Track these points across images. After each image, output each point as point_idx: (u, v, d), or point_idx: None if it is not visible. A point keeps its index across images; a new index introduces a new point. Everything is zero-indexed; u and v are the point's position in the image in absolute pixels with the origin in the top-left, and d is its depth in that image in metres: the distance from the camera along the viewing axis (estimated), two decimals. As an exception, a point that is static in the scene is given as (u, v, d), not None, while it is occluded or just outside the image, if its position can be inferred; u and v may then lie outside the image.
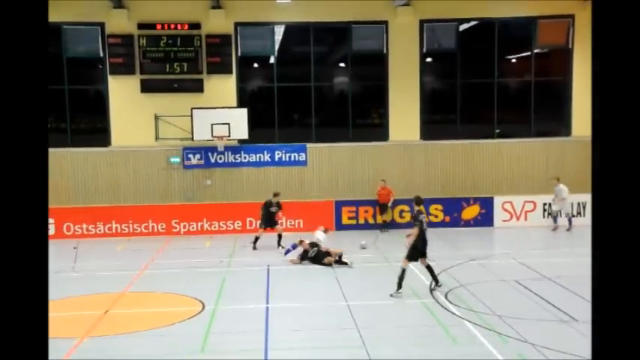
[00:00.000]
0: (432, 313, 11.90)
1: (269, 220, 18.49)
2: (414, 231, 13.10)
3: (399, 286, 12.86)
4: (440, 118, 23.51)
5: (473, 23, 22.88)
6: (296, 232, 20.06)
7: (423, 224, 13.19)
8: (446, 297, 12.84)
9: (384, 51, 22.34)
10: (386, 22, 22.17)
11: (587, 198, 20.69)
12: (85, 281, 15.07)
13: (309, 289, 14.15)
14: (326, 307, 12.48)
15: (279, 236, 18.41)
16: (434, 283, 13.38)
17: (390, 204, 21.08)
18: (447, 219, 21.36)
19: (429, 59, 22.91)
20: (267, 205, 18.55)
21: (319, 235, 17.10)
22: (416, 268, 15.53)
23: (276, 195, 18.74)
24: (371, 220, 21.38)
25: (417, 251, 13.21)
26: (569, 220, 20.64)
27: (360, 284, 14.44)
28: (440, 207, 21.47)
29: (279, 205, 18.56)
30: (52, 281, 14.08)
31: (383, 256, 17.30)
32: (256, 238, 18.37)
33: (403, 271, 12.97)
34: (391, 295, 12.81)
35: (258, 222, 18.93)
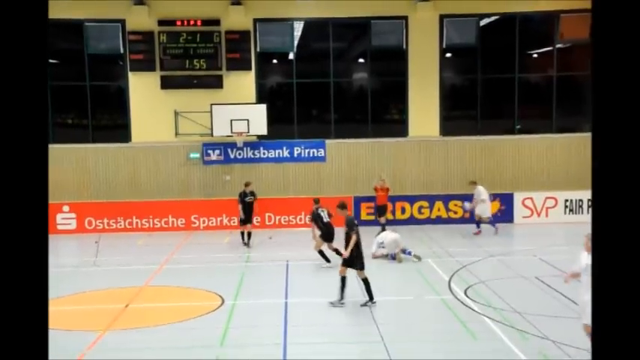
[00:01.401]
0: (451, 309, 11.84)
1: (249, 213, 18.12)
2: (354, 238, 11.86)
3: (370, 295, 11.95)
4: (460, 113, 23.36)
5: (494, 18, 22.67)
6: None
7: (359, 233, 12.02)
8: (465, 293, 12.77)
9: (404, 46, 22.24)
10: (406, 18, 22.06)
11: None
12: (106, 275, 15.23)
13: (328, 284, 14.12)
14: (345, 302, 12.46)
15: (249, 234, 18.09)
16: (367, 300, 11.98)
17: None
18: (467, 215, 21.20)
19: (448, 55, 22.76)
20: (242, 197, 18.16)
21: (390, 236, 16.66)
22: (435, 264, 15.50)
23: (247, 184, 18.46)
24: (390, 216, 21.29)
25: (357, 259, 12.04)
26: (492, 223, 19.56)
27: (378, 280, 14.38)
28: (459, 203, 21.32)
29: (253, 194, 18.25)
30: (74, 275, 14.31)
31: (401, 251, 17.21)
32: (243, 234, 18.19)
33: (343, 279, 12.03)
34: (332, 304, 12.00)
35: (239, 218, 18.44)
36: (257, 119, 20.79)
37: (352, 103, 23.56)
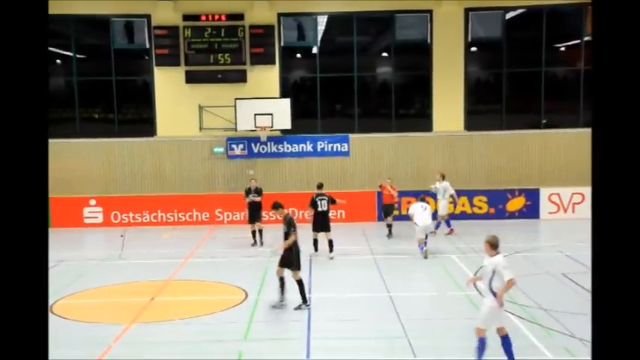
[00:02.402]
0: (475, 305, 11.73)
1: (255, 212, 17.52)
2: (292, 238, 11.63)
3: (303, 298, 11.66)
4: (485, 108, 23.16)
5: (520, 11, 22.42)
6: (337, 223, 20.05)
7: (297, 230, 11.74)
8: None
9: (428, 40, 22.09)
10: (430, 11, 21.91)
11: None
12: (131, 268, 15.39)
13: (351, 279, 14.16)
14: (368, 298, 12.46)
15: (260, 231, 17.49)
16: (301, 303, 11.65)
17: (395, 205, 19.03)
18: (492, 211, 21.08)
19: (473, 49, 22.56)
20: (247, 193, 17.63)
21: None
22: (459, 259, 15.41)
23: (254, 181, 18.03)
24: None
25: (292, 259, 11.70)
26: (447, 222, 18.84)
27: (403, 275, 14.37)
28: (484, 199, 21.19)
29: (258, 192, 17.65)
30: (101, 268, 14.48)
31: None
32: (254, 234, 17.54)
33: (281, 279, 11.75)
34: (274, 307, 11.71)
35: (247, 215, 17.86)
36: (281, 114, 20.83)
37: (376, 97, 23.49)
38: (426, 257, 15.59)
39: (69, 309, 11.97)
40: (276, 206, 12.14)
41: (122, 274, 14.73)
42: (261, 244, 17.38)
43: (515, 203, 21.08)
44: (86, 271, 14.97)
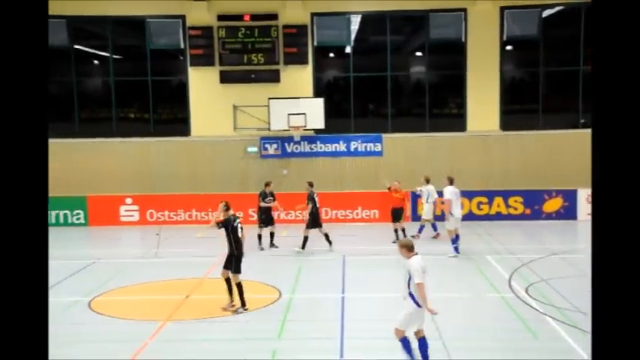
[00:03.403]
0: (511, 307, 11.61)
1: (268, 216, 17.32)
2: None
3: (242, 302, 11.60)
4: (520, 107, 22.87)
5: (557, 9, 22.06)
6: (372, 223, 20.04)
7: (238, 231, 11.70)
8: (526, 291, 12.50)
9: (463, 39, 21.89)
10: (465, 10, 21.71)
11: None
12: (167, 266, 15.55)
13: (386, 279, 14.07)
14: (401, 299, 12.37)
15: (272, 235, 17.38)
16: (240, 306, 11.61)
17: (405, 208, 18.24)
18: (528, 211, 20.78)
19: (509, 47, 22.28)
20: (262, 197, 17.33)
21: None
22: (495, 261, 15.23)
23: (268, 184, 17.63)
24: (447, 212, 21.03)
25: (235, 261, 11.70)
26: (433, 226, 18.36)
27: (436, 276, 14.21)
28: (520, 199, 20.91)
29: (273, 195, 17.48)
30: (136, 266, 14.66)
31: (460, 248, 16.97)
32: (260, 238, 17.29)
33: (238, 284, 11.65)
34: (236, 312, 11.56)
35: (258, 218, 17.57)
36: (314, 113, 20.85)
37: (409, 97, 23.37)
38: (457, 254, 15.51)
39: (106, 306, 12.15)
40: (227, 207, 11.92)
41: (158, 272, 14.89)
42: (273, 245, 17.33)
43: (553, 204, 20.75)
44: (123, 269, 15.18)
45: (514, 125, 22.02)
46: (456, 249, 15.80)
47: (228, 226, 11.64)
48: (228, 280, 11.75)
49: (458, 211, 15.96)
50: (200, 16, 21.74)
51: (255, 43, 21.88)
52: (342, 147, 22.15)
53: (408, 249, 8.66)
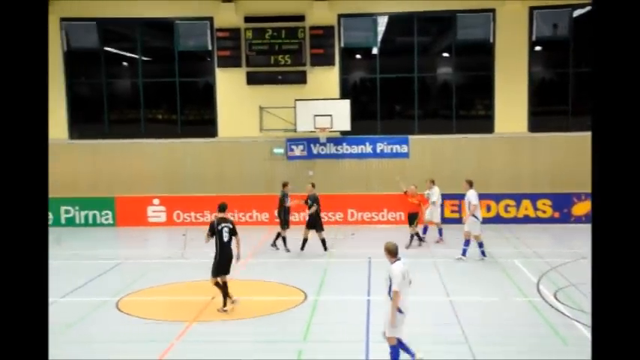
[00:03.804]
0: (540, 312, 11.46)
1: (287, 217, 17.18)
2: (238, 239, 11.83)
3: (225, 302, 11.66)
4: (550, 109, 22.56)
5: (588, 8, 21.71)
6: (398, 225, 19.93)
7: (223, 235, 11.62)
8: (555, 296, 12.32)
9: (491, 40, 21.68)
10: (493, 10, 21.49)
11: None
12: (193, 268, 15.61)
13: (412, 282, 13.99)
14: (427, 302, 12.29)
15: (284, 238, 17.18)
16: (222, 305, 11.69)
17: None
18: (556, 215, 20.50)
19: (538, 48, 22.00)
20: (283, 198, 17.15)
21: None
22: (522, 264, 15.05)
23: (285, 185, 17.46)
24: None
25: (221, 265, 11.67)
26: (439, 231, 17.97)
27: (463, 279, 14.13)
28: (548, 202, 20.64)
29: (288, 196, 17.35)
30: (164, 267, 14.77)
31: (487, 251, 16.81)
32: (284, 238, 17.13)
33: (224, 284, 11.71)
34: (218, 311, 11.62)
35: (279, 219, 17.31)
36: (340, 115, 20.82)
37: (436, 98, 23.23)
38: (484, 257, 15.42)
39: (133, 306, 12.27)
40: (219, 209, 12.05)
41: (184, 273, 14.99)
42: (274, 245, 17.32)
43: (582, 207, 20.42)
44: (150, 269, 15.32)
45: (543, 127, 21.74)
46: (465, 252, 15.64)
47: (214, 229, 11.66)
48: (217, 285, 11.71)
49: (479, 215, 15.82)
50: (227, 17, 21.85)
51: (281, 45, 21.92)
52: (368, 149, 22.08)
53: (391, 253, 8.56)
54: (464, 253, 15.62)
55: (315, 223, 16.69)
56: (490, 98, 22.02)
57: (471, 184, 15.95)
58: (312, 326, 10.88)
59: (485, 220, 20.08)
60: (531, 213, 20.72)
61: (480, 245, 15.70)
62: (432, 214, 18.06)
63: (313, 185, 17.23)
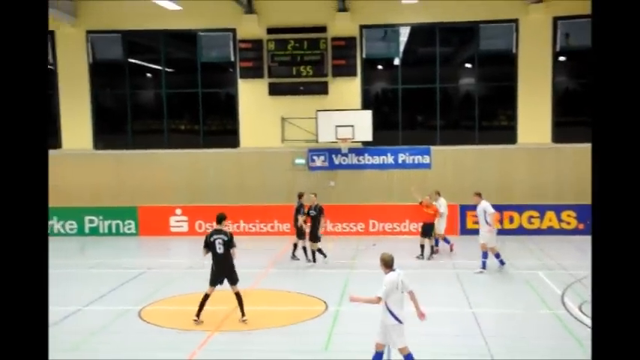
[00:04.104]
0: (565, 325, 11.30)
1: (304, 227, 17.02)
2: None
3: (242, 312, 11.65)
4: (574, 119, 22.30)
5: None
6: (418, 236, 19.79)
7: (216, 247, 11.57)
8: (580, 309, 12.15)
9: (514, 50, 21.56)
10: (516, 21, 21.39)
11: None
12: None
13: (433, 293, 13.89)
14: (450, 314, 12.20)
15: (304, 248, 17.15)
16: (240, 315, 11.68)
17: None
18: (581, 226, 20.23)
19: (562, 58, 21.83)
20: (299, 209, 17.08)
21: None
22: (546, 276, 14.87)
23: (301, 196, 17.37)
24: (497, 225, 20.65)
25: (215, 276, 11.73)
26: (445, 240, 17.92)
27: (486, 291, 14.00)
28: (573, 214, 20.39)
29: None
30: (185, 276, 14.84)
31: (510, 263, 16.66)
32: (304, 248, 17.09)
33: (206, 296, 11.71)
34: (194, 321, 11.58)
35: (298, 230, 17.13)
36: (362, 125, 20.82)
37: (458, 109, 23.13)
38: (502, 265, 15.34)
39: (155, 315, 12.32)
40: (221, 219, 11.91)
41: (206, 283, 14.97)
42: (294, 257, 17.29)
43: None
44: (172, 279, 15.39)
45: (567, 138, 21.51)
46: (484, 264, 15.48)
47: (207, 242, 11.66)
48: (237, 294, 11.75)
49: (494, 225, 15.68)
50: (250, 29, 22.01)
51: (303, 56, 22.01)
52: (389, 159, 22.04)
53: (386, 265, 8.65)
54: (483, 265, 15.48)
55: (314, 234, 16.57)
56: (513, 109, 21.87)
57: (480, 196, 15.78)
58: (333, 337, 10.84)
59: (508, 232, 20.08)
60: (555, 224, 20.49)
61: (497, 256, 15.56)
62: (437, 225, 17.90)
63: (315, 195, 17.22)
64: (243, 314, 11.68)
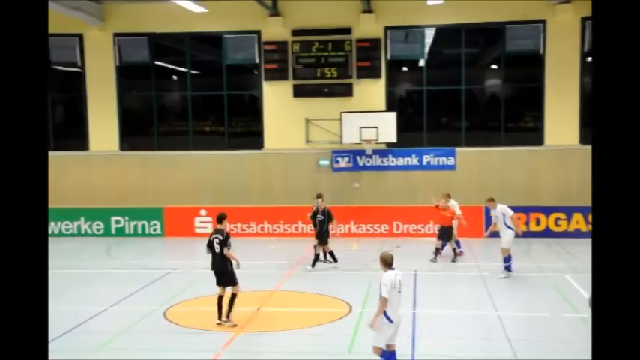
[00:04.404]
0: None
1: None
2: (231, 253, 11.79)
3: (219, 314, 11.70)
4: (602, 121, 21.97)
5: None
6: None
7: (214, 246, 11.69)
8: (607, 313, 11.94)
9: (541, 51, 21.31)
10: (543, 21, 21.13)
11: None
12: (239, 278, 15.65)
13: (457, 296, 13.82)
14: (475, 316, 12.11)
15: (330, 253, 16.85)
16: (223, 317, 11.69)
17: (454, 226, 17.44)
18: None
19: (590, 59, 21.51)
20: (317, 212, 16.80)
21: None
22: (573, 279, 14.68)
23: (319, 198, 17.09)
24: (523, 228, 20.45)
25: (215, 275, 11.89)
26: (457, 244, 17.60)
27: (512, 294, 13.85)
28: (600, 216, 20.06)
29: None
30: (209, 277, 14.89)
31: (536, 265, 16.48)
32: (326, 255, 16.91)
33: (220, 297, 11.75)
34: (218, 324, 11.62)
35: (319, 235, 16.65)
36: (386, 127, 20.75)
37: (484, 110, 22.93)
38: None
39: (180, 315, 12.41)
40: (221, 219, 12.01)
41: (230, 283, 15.07)
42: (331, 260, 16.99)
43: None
44: (197, 279, 15.47)
45: (595, 139, 21.17)
46: (509, 267, 15.29)
47: (209, 240, 11.82)
48: (232, 297, 11.76)
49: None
50: (275, 31, 22.08)
51: (328, 57, 22.00)
52: (414, 161, 21.92)
53: (385, 263, 8.73)
54: (507, 269, 15.29)
55: (322, 237, 16.31)
56: (540, 110, 21.61)
57: (494, 200, 15.49)
58: (357, 338, 10.81)
59: (535, 234, 19.87)
60: (582, 227, 20.20)
61: (507, 260, 15.26)
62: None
63: (322, 199, 16.82)
64: (226, 316, 11.60)
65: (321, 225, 16.39)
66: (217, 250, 11.70)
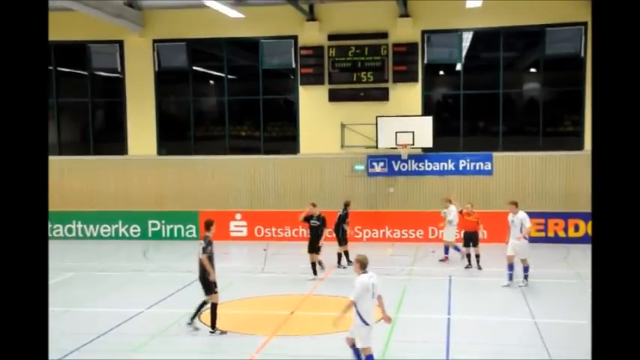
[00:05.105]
0: (633, 338, 10.82)
1: (345, 235, 17.44)
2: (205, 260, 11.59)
3: (194, 315, 11.67)
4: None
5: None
6: (480, 244, 19.40)
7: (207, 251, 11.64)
8: (649, 322, 11.62)
9: (582, 54, 20.92)
10: (584, 24, 20.74)
11: None
12: (273, 282, 15.80)
13: (493, 302, 13.63)
14: (511, 323, 11.92)
15: (346, 253, 17.36)
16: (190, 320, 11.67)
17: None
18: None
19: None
20: (344, 217, 17.59)
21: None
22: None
23: (348, 205, 17.86)
24: (561, 234, 20.11)
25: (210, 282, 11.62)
26: (456, 248, 17.64)
27: (548, 300, 13.59)
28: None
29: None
30: (245, 280, 15.02)
31: (575, 272, 16.14)
32: (346, 253, 17.33)
33: (203, 303, 11.66)
34: (188, 324, 11.60)
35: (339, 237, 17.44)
36: (422, 131, 20.61)
37: (522, 114, 22.61)
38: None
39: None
40: (209, 225, 12.00)
41: (264, 287, 15.17)
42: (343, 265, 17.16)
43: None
44: (231, 283, 15.56)
45: (637, 144, 20.69)
46: (527, 277, 14.85)
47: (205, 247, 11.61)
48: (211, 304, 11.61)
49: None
50: (311, 36, 22.14)
51: (364, 62, 21.97)
52: (450, 165, 21.71)
53: (360, 266, 8.79)
54: (525, 277, 14.85)
55: (313, 245, 16.23)
56: (580, 114, 21.22)
57: (517, 205, 14.95)
58: (391, 343, 10.74)
59: (574, 240, 19.52)
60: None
61: (511, 268, 14.79)
62: (446, 232, 17.76)
63: (315, 205, 16.81)
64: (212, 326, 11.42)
65: (315, 231, 16.25)
66: (201, 256, 11.59)
